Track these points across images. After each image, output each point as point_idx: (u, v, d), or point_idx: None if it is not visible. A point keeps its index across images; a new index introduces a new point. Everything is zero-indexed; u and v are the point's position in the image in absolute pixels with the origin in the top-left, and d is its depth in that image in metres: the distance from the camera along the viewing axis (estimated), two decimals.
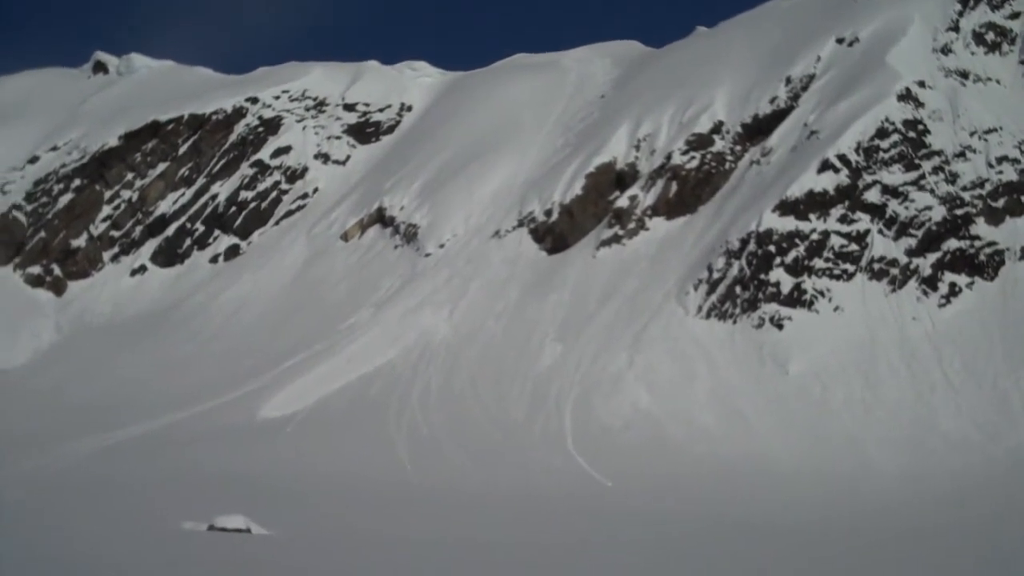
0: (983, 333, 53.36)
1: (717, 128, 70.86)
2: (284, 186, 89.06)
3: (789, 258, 58.02)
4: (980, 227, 59.16)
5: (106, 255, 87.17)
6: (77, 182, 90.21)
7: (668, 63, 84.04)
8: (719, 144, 70.07)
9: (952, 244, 58.49)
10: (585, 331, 58.86)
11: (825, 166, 60.85)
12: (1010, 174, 61.11)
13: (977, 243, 58.43)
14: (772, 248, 58.48)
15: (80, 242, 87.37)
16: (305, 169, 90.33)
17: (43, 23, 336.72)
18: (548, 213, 71.05)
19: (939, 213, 59.59)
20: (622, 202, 69.07)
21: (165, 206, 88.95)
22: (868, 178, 60.54)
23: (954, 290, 56.69)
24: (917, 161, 61.46)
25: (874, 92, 64.63)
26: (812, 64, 71.28)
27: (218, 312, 74.34)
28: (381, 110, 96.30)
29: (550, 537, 29.10)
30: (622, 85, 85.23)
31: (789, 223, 59.10)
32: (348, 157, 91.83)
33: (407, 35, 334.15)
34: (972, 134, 63.21)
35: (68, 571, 18.73)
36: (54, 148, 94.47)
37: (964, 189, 60.63)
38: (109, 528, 26.48)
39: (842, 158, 61.07)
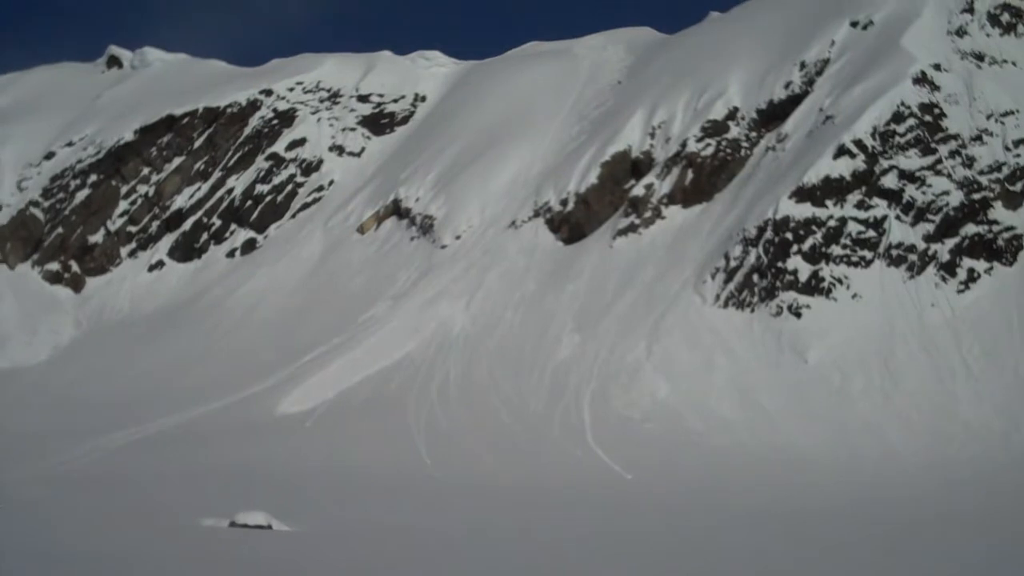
0: (1003, 319, 53.17)
1: (732, 114, 70.59)
2: (299, 179, 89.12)
3: (806, 245, 57.86)
4: (998, 211, 58.91)
5: (123, 251, 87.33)
6: (93, 177, 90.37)
7: (682, 49, 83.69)
8: (734, 130, 69.83)
9: (970, 229, 58.26)
10: (603, 321, 58.82)
11: (841, 151, 60.61)
12: None
13: (995, 228, 58.18)
14: (789, 235, 58.31)
15: (97, 238, 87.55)
16: (320, 161, 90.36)
17: (56, 18, 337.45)
18: (564, 203, 70.95)
19: (956, 198, 59.34)
20: (638, 190, 68.91)
21: (181, 200, 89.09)
22: (885, 163, 60.29)
23: (973, 276, 56.47)
24: (934, 145, 61.19)
25: (889, 76, 64.34)
26: (826, 48, 70.92)
27: (236, 306, 74.49)
28: (395, 101, 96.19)
29: (570, 529, 29.09)
30: (636, 72, 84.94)
31: (806, 210, 58.91)
32: (363, 149, 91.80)
33: (420, 25, 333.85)
34: (989, 117, 62.87)
35: (89, 568, 18.76)
36: (70, 143, 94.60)
37: (981, 173, 60.35)
38: (130, 524, 26.55)
39: (858, 143, 60.82)
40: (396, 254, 74.44)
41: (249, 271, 79.80)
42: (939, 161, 60.62)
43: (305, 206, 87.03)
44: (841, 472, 41.73)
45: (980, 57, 67.07)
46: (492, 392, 54.06)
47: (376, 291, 69.75)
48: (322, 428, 50.90)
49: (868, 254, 57.61)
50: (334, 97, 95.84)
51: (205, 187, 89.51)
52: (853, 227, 58.36)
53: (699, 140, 69.67)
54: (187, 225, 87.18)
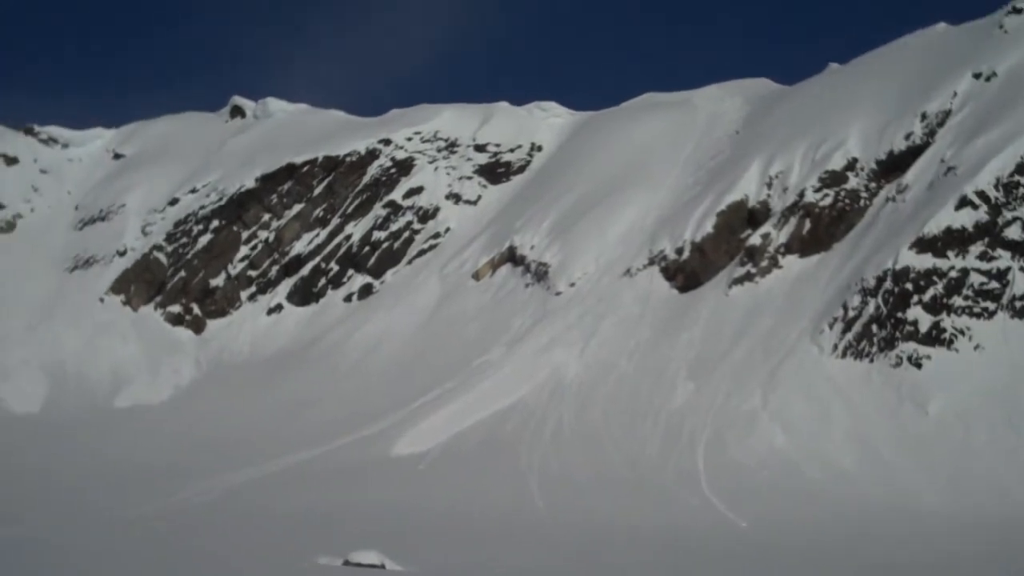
0: None
1: (851, 165, 69.88)
2: (416, 226, 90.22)
3: (927, 296, 56.90)
4: None
5: (243, 294, 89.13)
6: (215, 223, 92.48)
7: (800, 100, 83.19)
8: (853, 181, 69.10)
9: None
10: (718, 369, 58.43)
11: (963, 202, 59.58)
12: None
13: None
14: (909, 286, 57.45)
15: (218, 282, 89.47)
16: (437, 209, 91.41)
17: (183, 70, 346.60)
18: (679, 251, 70.77)
19: None
20: (754, 240, 68.49)
21: (300, 246, 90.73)
22: (1008, 214, 59.08)
23: None
24: None
25: (1013, 127, 63.10)
26: (948, 99, 69.89)
27: (352, 350, 75.45)
28: (512, 150, 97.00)
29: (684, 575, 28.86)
30: (753, 123, 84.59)
31: (927, 260, 58.00)
32: (479, 197, 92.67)
33: (537, 76, 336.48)
34: None
35: None
36: (193, 190, 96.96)
37: None
38: (248, 562, 26.99)
39: (981, 194, 59.72)
40: (511, 301, 74.81)
41: (365, 316, 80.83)
42: None
43: (421, 252, 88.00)
44: (964, 527, 40.69)
45: None
46: (606, 437, 53.95)
47: (491, 337, 70.12)
48: (436, 470, 51.22)
49: (991, 305, 56.41)
50: (451, 146, 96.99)
51: (324, 233, 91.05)
52: (975, 278, 57.23)
53: (817, 190, 69.07)
54: (305, 270, 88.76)
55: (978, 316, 56.11)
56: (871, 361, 55.56)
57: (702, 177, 79.52)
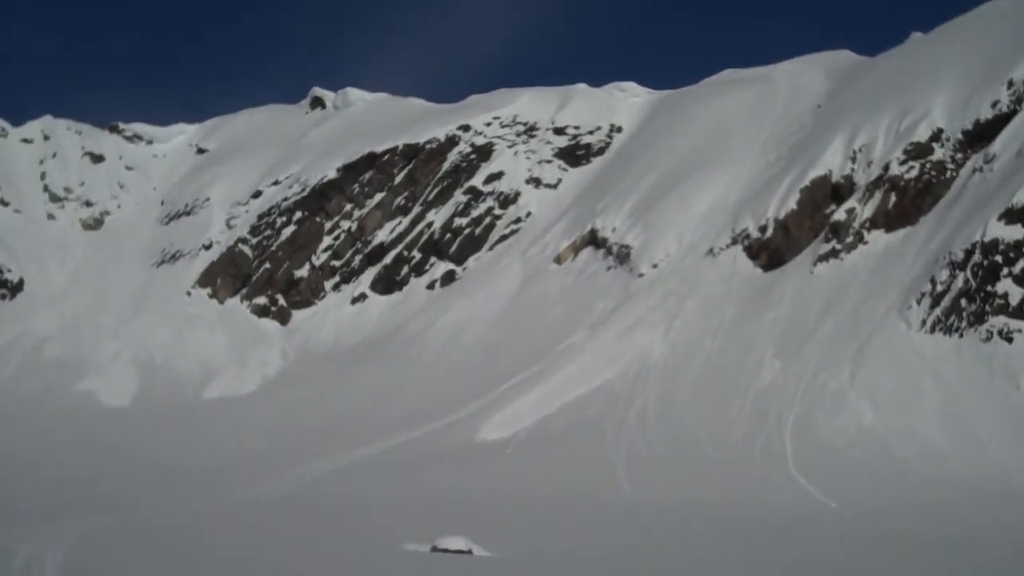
0: None
1: (936, 136, 68.57)
2: (497, 211, 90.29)
3: (1017, 268, 55.72)
4: None
5: (328, 284, 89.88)
6: (298, 214, 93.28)
7: (883, 71, 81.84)
8: (939, 152, 67.82)
9: None
10: (805, 347, 57.77)
11: None
12: None
13: None
14: (999, 258, 56.29)
15: (303, 272, 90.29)
16: (517, 194, 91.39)
17: (262, 63, 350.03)
18: (763, 229, 70.03)
19: None
20: (839, 215, 67.55)
21: (383, 235, 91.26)
22: None
23: None
24: None
25: None
26: None
27: (436, 337, 75.72)
28: (591, 132, 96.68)
29: (773, 558, 28.55)
30: (835, 96, 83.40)
31: (1016, 231, 56.76)
32: (559, 180, 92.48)
33: (615, 56, 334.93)
34: None
35: None
36: (276, 182, 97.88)
37: None
38: (337, 548, 27.26)
39: None
40: (593, 284, 74.59)
41: (448, 302, 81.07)
42: None
43: (503, 238, 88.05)
44: None
45: None
46: (691, 419, 53.62)
47: (574, 320, 69.99)
48: (521, 454, 51.26)
49: None
50: (531, 130, 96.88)
51: (405, 221, 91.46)
52: None
53: (902, 163, 67.91)
54: (388, 259, 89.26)
55: None
56: (961, 336, 54.57)
57: (784, 153, 78.60)
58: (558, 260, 79.95)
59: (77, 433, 62.79)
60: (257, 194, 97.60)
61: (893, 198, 66.74)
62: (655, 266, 72.70)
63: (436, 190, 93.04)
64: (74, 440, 60.65)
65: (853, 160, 70.97)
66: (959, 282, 56.70)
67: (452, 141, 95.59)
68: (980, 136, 67.04)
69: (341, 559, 25.31)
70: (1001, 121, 66.39)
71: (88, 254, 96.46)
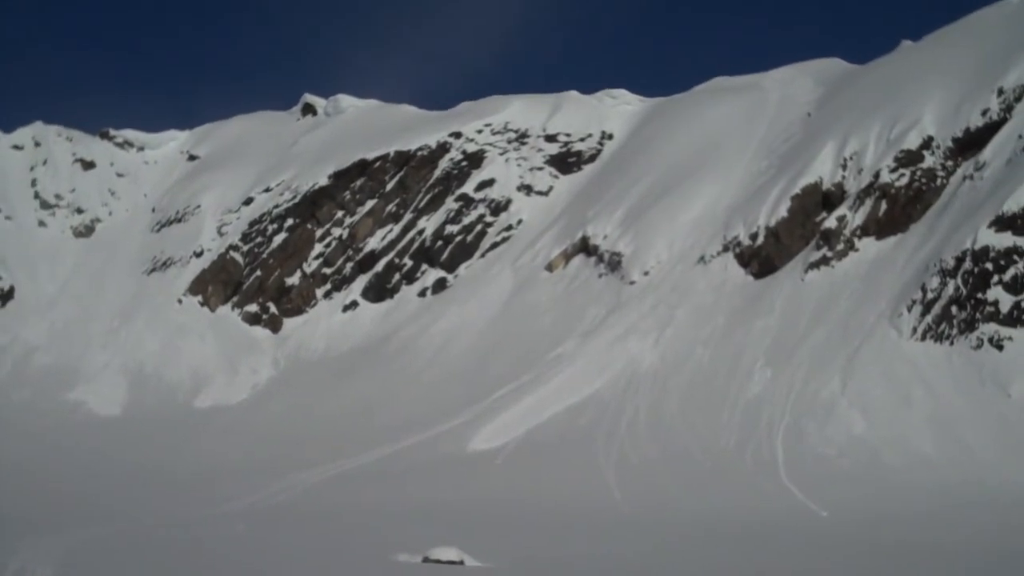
0: None
1: (927, 143, 68.67)
2: (489, 219, 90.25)
3: (1008, 276, 55.82)
4: None
5: (319, 292, 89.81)
6: (290, 221, 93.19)
7: (873, 79, 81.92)
8: (929, 160, 67.93)
9: None
10: (795, 355, 57.80)
11: None
12: None
13: None
14: (989, 266, 56.37)
15: (294, 280, 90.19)
16: (509, 201, 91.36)
17: (254, 69, 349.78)
18: (753, 237, 70.09)
19: None
20: (830, 223, 67.62)
21: (374, 242, 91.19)
22: None
23: None
24: None
25: None
26: None
27: (428, 345, 75.65)
28: (582, 139, 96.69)
29: (764, 567, 28.52)
30: (825, 104, 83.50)
31: (1006, 239, 56.86)
32: (551, 188, 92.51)
33: (605, 64, 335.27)
34: None
35: None
36: (267, 189, 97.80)
37: None
38: (328, 559, 27.18)
39: None
40: (584, 291, 74.59)
41: (440, 310, 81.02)
42: None
43: (494, 245, 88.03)
44: None
45: None
46: (682, 427, 53.61)
47: (565, 328, 69.96)
48: (512, 464, 51.23)
49: None
50: (522, 138, 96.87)
51: (397, 228, 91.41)
52: None
53: (893, 171, 68.00)
54: (379, 266, 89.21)
55: None
56: (951, 343, 54.65)
57: (775, 161, 78.67)
58: (549, 268, 79.95)
59: (67, 443, 62.69)
60: (248, 201, 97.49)
61: (884, 206, 66.82)
62: (646, 273, 72.72)
63: (427, 197, 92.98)
64: (64, 450, 60.54)
65: (844, 168, 71.07)
66: (949, 290, 56.79)
67: (443, 148, 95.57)
68: (970, 144, 67.18)
69: (332, 570, 25.24)
70: (991, 129, 66.54)
71: (79, 261, 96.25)
